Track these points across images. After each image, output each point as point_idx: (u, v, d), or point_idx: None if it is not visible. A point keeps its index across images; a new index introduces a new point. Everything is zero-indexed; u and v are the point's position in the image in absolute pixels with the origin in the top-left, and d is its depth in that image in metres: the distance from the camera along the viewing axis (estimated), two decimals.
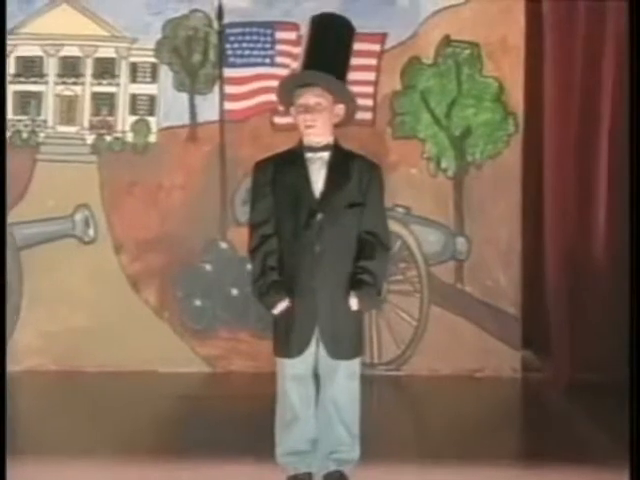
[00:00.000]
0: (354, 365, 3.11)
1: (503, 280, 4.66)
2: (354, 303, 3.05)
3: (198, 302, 4.70)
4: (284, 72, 4.45)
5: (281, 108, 4.60)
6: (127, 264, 4.69)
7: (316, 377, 3.13)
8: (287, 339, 3.06)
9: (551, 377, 4.50)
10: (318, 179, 3.09)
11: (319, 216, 3.05)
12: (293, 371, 3.07)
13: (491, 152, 4.67)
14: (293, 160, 3.11)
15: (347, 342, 3.07)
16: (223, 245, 4.71)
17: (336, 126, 3.15)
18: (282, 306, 3.04)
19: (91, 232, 4.64)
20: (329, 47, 3.06)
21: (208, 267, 4.68)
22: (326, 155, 3.11)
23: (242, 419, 3.84)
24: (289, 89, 3.10)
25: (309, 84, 3.04)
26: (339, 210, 3.06)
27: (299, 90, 3.07)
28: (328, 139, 3.12)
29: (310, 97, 3.06)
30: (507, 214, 4.63)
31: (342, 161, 3.11)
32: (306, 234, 3.04)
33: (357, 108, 3.16)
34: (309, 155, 3.10)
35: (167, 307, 4.72)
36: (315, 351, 3.06)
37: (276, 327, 3.12)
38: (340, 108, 3.11)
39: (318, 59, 3.05)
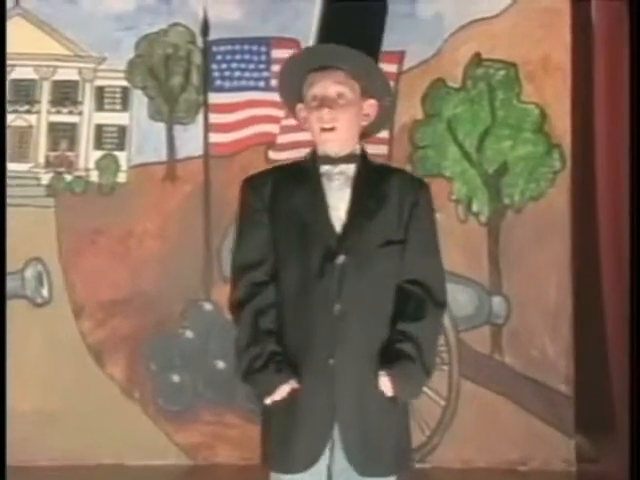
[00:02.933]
0: None
1: (551, 350, 4.17)
2: (386, 385, 2.19)
3: (176, 377, 4.26)
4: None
5: (280, 140, 4.07)
6: (89, 331, 4.25)
7: None
8: (288, 444, 2.19)
9: (612, 470, 3.95)
10: (339, 204, 2.25)
11: (340, 259, 2.21)
12: None
13: (533, 192, 4.21)
14: (303, 176, 2.28)
15: (382, 450, 2.20)
16: (207, 307, 4.25)
17: (363, 136, 2.34)
18: (283, 392, 2.19)
19: (45, 292, 4.24)
20: (355, 12, 2.26)
21: (189, 334, 4.26)
22: (351, 169, 2.28)
23: None
24: (297, 75, 2.27)
25: (327, 66, 2.23)
26: (370, 250, 2.23)
27: (312, 76, 2.25)
28: (353, 147, 2.30)
29: (329, 85, 2.23)
30: (554, 268, 4.16)
31: (373, 178, 2.28)
32: (321, 285, 2.20)
33: (392, 108, 2.36)
34: (326, 169, 2.27)
35: (138, 384, 4.26)
36: (330, 462, 2.19)
37: (270, 424, 2.25)
38: (371, 105, 2.30)
39: (340, 29, 2.24)
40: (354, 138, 2.30)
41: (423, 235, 2.28)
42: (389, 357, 2.20)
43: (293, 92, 2.29)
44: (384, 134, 4.10)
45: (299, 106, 2.30)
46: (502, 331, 4.20)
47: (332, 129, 2.24)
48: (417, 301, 2.24)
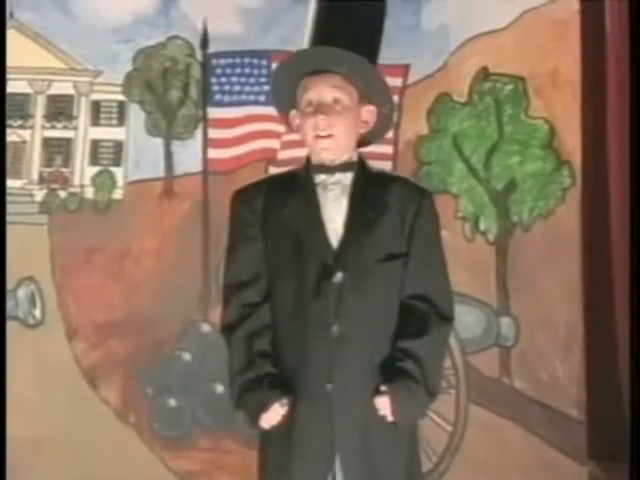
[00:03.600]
0: None
1: (562, 373, 4.07)
2: (384, 405, 2.06)
3: (173, 402, 4.18)
4: None
5: (281, 156, 4.03)
6: (83, 353, 4.16)
7: None
8: (286, 476, 2.07)
9: None
10: (335, 216, 2.15)
11: (338, 276, 2.10)
12: None
13: (542, 210, 4.12)
14: (296, 186, 2.18)
15: None
16: (205, 328, 4.14)
17: (360, 144, 2.24)
18: (278, 410, 2.06)
19: (37, 313, 4.17)
20: (352, 12, 2.14)
21: (186, 356, 4.18)
22: (348, 178, 2.17)
23: None
24: (290, 79, 2.17)
25: (323, 70, 2.13)
26: (369, 265, 2.12)
27: (307, 80, 2.15)
28: (350, 155, 2.19)
29: (325, 90, 2.14)
30: (564, 288, 4.05)
31: (372, 187, 2.17)
32: (317, 305, 2.10)
33: (392, 116, 2.26)
34: (321, 178, 2.17)
35: (133, 409, 4.17)
36: None
37: (267, 453, 2.13)
38: (369, 111, 2.19)
39: (337, 30, 2.13)
40: (351, 146, 2.19)
41: (427, 247, 2.17)
42: (388, 375, 2.08)
43: (286, 98, 2.19)
44: (388, 149, 4.06)
45: (293, 112, 2.19)
46: (511, 354, 4.11)
47: (328, 136, 2.13)
48: (421, 317, 2.13)
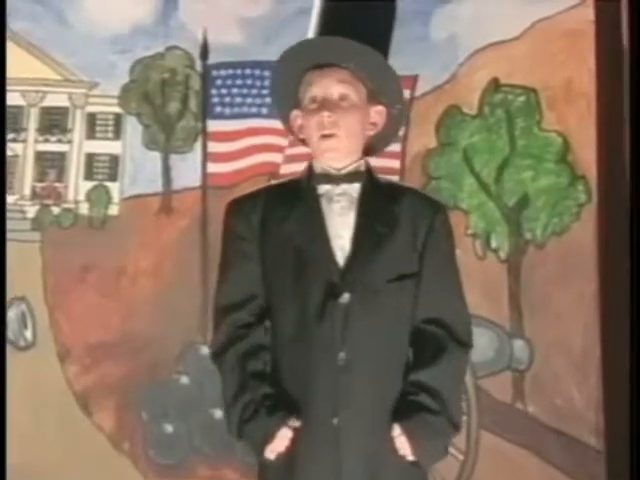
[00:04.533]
0: None
1: (578, 398, 3.95)
2: (404, 445, 1.90)
3: (169, 428, 4.09)
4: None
5: (284, 170, 4.00)
6: (75, 377, 4.08)
7: None
8: None
9: None
10: (341, 231, 1.98)
11: (344, 297, 1.94)
12: None
13: (556, 227, 4.03)
14: (298, 198, 2.01)
15: None
16: (204, 350, 4.00)
17: (367, 151, 2.07)
18: (284, 437, 1.89)
19: (28, 334, 4.10)
20: (361, 4, 1.99)
21: (184, 380, 4.09)
22: (355, 189, 2.01)
23: None
24: (292, 74, 2.01)
25: (329, 64, 1.97)
26: (379, 286, 1.96)
27: (311, 75, 1.99)
28: (357, 162, 2.03)
29: (331, 84, 1.97)
30: (580, 308, 3.96)
31: (382, 199, 2.01)
32: (322, 329, 1.93)
33: (402, 117, 2.10)
34: (325, 189, 2.01)
35: (128, 435, 4.09)
36: None
37: None
38: (378, 112, 2.04)
39: (345, 18, 1.97)
40: (358, 150, 2.03)
41: (441, 265, 2.01)
42: (402, 412, 1.92)
43: (288, 95, 2.02)
44: (395, 164, 3.98)
45: (295, 113, 2.03)
46: (525, 378, 3.99)
47: (333, 136, 1.97)
48: (436, 343, 1.97)
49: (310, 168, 2.02)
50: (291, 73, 2.00)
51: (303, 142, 2.09)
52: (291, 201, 1.99)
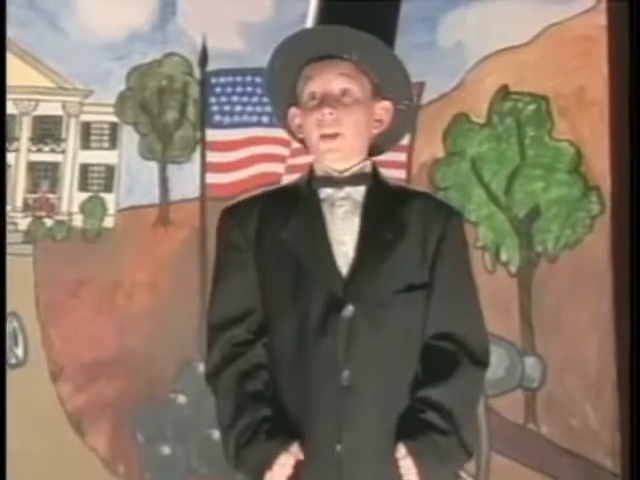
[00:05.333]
0: None
1: (593, 418, 3.89)
2: (409, 469, 1.77)
3: (166, 449, 4.03)
4: (286, 135, 3.88)
5: (286, 181, 3.93)
6: (68, 396, 4.03)
7: None
8: None
9: None
10: (345, 237, 1.85)
11: (348, 310, 1.80)
12: None
13: (569, 239, 3.98)
14: (298, 203, 1.87)
15: None
16: (202, 368, 3.84)
17: (372, 151, 1.94)
18: (285, 464, 1.77)
19: (19, 351, 4.04)
20: None
21: (181, 399, 4.04)
22: (359, 192, 1.87)
23: None
24: (290, 67, 1.88)
25: (330, 55, 1.84)
26: (385, 297, 1.82)
27: (310, 68, 1.86)
28: (362, 163, 1.89)
29: (332, 78, 1.84)
30: (594, 324, 3.90)
31: (389, 204, 1.87)
32: (323, 345, 1.79)
33: (411, 114, 1.98)
34: (327, 193, 1.87)
35: (123, 457, 4.04)
36: None
37: None
38: (384, 108, 1.90)
39: (346, 6, 1.83)
40: (362, 150, 1.89)
41: (454, 276, 1.87)
42: (408, 431, 1.78)
43: (284, 91, 1.89)
44: (401, 174, 3.90)
45: (292, 110, 1.89)
46: (537, 397, 3.93)
47: (335, 135, 1.83)
48: (447, 360, 1.83)
49: (311, 170, 1.89)
50: (288, 66, 1.87)
51: (302, 142, 1.96)
52: (290, 207, 1.85)
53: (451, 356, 1.82)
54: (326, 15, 1.88)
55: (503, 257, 3.98)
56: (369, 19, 1.85)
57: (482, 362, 1.87)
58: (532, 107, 3.98)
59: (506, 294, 3.94)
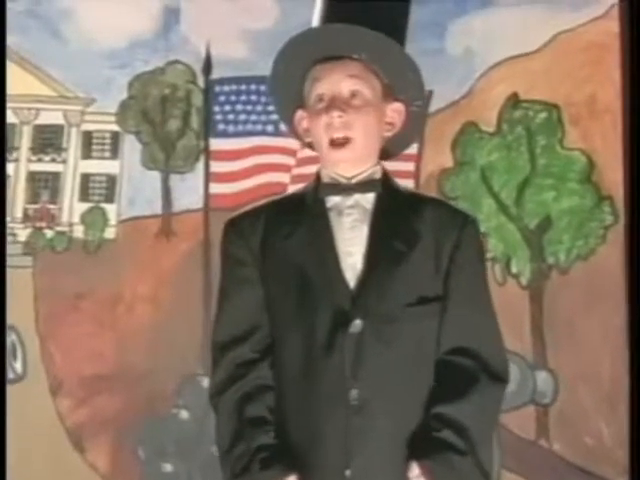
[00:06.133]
0: None
1: (607, 435, 3.80)
2: None
3: (168, 467, 3.98)
4: (292, 144, 3.74)
5: (290, 191, 3.86)
6: (68, 411, 3.98)
7: None
8: None
9: None
10: (353, 248, 1.77)
11: (356, 325, 1.72)
12: None
13: (581, 251, 3.92)
14: (304, 212, 1.81)
15: None
16: (206, 383, 3.84)
17: (383, 155, 1.87)
18: None
19: (18, 365, 3.99)
20: None
21: (184, 414, 3.98)
22: (369, 200, 1.80)
23: None
24: (296, 68, 1.82)
25: (338, 56, 1.78)
26: (396, 311, 1.74)
27: (318, 69, 1.80)
28: (372, 169, 1.82)
29: (341, 80, 1.78)
30: (608, 338, 3.82)
31: (400, 211, 1.81)
32: (330, 362, 1.72)
33: (424, 115, 1.93)
34: (335, 201, 1.80)
35: (124, 474, 3.99)
36: None
37: None
38: (396, 110, 1.84)
39: (353, 3, 1.77)
40: (373, 155, 1.82)
41: (470, 287, 1.80)
42: (422, 450, 1.71)
43: (290, 93, 1.83)
44: (408, 183, 3.82)
45: (299, 113, 1.83)
46: (549, 413, 3.86)
47: (345, 141, 1.76)
48: (466, 375, 1.75)
49: (317, 177, 1.83)
50: (294, 68, 1.81)
51: (310, 146, 1.88)
52: (295, 216, 1.79)
53: (468, 372, 1.74)
54: (333, 15, 1.82)
55: (514, 269, 3.92)
56: (378, 19, 1.79)
57: (501, 378, 1.78)
58: (543, 115, 3.93)
59: (517, 307, 3.87)
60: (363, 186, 1.79)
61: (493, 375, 1.75)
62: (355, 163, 1.80)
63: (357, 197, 1.78)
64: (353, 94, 1.77)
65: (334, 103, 1.75)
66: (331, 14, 1.84)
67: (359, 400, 1.69)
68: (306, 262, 1.74)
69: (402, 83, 1.81)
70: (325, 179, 1.81)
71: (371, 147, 1.81)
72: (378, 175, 1.82)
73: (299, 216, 1.78)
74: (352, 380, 1.70)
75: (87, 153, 4.09)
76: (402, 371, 1.73)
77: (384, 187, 1.81)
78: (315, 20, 1.86)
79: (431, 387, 1.75)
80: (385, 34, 1.77)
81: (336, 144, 1.78)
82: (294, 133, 1.91)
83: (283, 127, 3.89)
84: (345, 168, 1.80)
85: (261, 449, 1.70)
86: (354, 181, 1.79)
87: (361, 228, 1.77)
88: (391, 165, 2.26)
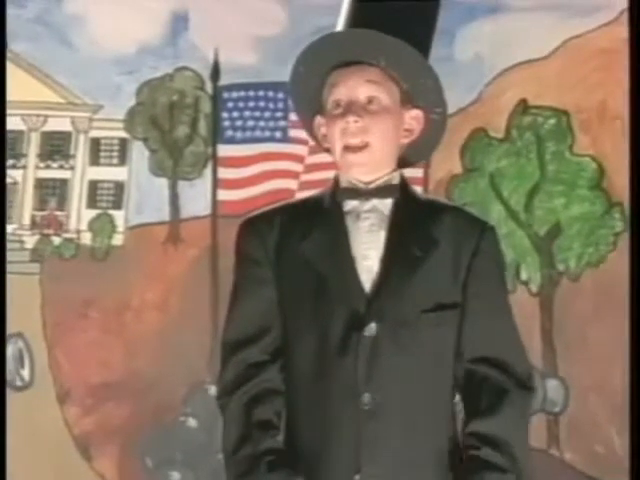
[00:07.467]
0: None
1: (619, 444, 3.77)
2: None
3: (176, 475, 3.97)
4: (300, 150, 3.84)
5: (299, 197, 3.86)
6: (75, 419, 3.97)
7: None
8: None
9: None
10: (369, 252, 1.76)
11: (371, 328, 1.71)
12: None
13: (591, 258, 3.91)
14: (320, 216, 1.80)
15: None
16: (213, 391, 3.62)
17: (401, 162, 1.86)
18: None
19: (25, 373, 3.99)
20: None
21: (192, 423, 3.99)
22: (386, 205, 1.79)
23: None
24: (315, 73, 1.80)
25: (356, 61, 1.77)
26: (412, 316, 1.73)
27: (335, 75, 1.78)
28: (390, 175, 1.81)
29: (358, 85, 1.76)
30: (619, 346, 3.76)
31: (418, 217, 1.79)
32: (344, 366, 1.70)
33: (444, 122, 1.88)
34: (352, 205, 1.79)
35: None
36: None
37: None
38: (415, 117, 1.82)
39: (378, 10, 1.77)
40: (391, 161, 1.80)
41: (490, 294, 1.77)
42: (464, 473, 1.68)
43: (309, 99, 1.80)
44: (417, 190, 3.86)
45: (318, 119, 1.81)
46: (559, 421, 3.84)
47: (362, 147, 1.75)
48: (494, 387, 1.72)
49: (335, 182, 1.81)
50: (312, 73, 1.78)
51: (328, 151, 1.88)
52: (312, 219, 1.77)
53: (496, 383, 1.71)
54: (359, 20, 1.80)
55: (523, 276, 3.90)
56: (403, 26, 1.77)
57: (529, 387, 1.76)
58: (552, 121, 3.92)
59: (527, 314, 3.78)
60: (381, 191, 1.79)
61: (521, 384, 1.75)
62: (372, 168, 1.78)
63: (375, 202, 1.79)
64: (370, 100, 1.76)
65: (350, 108, 1.75)
66: (357, 19, 1.83)
67: (372, 404, 1.68)
68: (321, 264, 1.73)
69: (421, 90, 1.78)
70: (343, 184, 1.78)
71: (388, 153, 1.78)
72: (396, 181, 1.78)
73: (316, 219, 1.78)
74: (365, 384, 1.69)
75: (95, 160, 4.09)
76: (417, 377, 1.69)
77: (402, 193, 1.80)
78: (340, 24, 1.84)
79: (450, 397, 1.74)
80: (411, 39, 1.75)
81: (352, 149, 1.76)
82: (314, 139, 1.90)
83: (291, 134, 3.90)
84: (362, 173, 1.78)
85: (268, 452, 1.69)
86: (372, 186, 1.76)
87: (378, 232, 1.77)
88: None
